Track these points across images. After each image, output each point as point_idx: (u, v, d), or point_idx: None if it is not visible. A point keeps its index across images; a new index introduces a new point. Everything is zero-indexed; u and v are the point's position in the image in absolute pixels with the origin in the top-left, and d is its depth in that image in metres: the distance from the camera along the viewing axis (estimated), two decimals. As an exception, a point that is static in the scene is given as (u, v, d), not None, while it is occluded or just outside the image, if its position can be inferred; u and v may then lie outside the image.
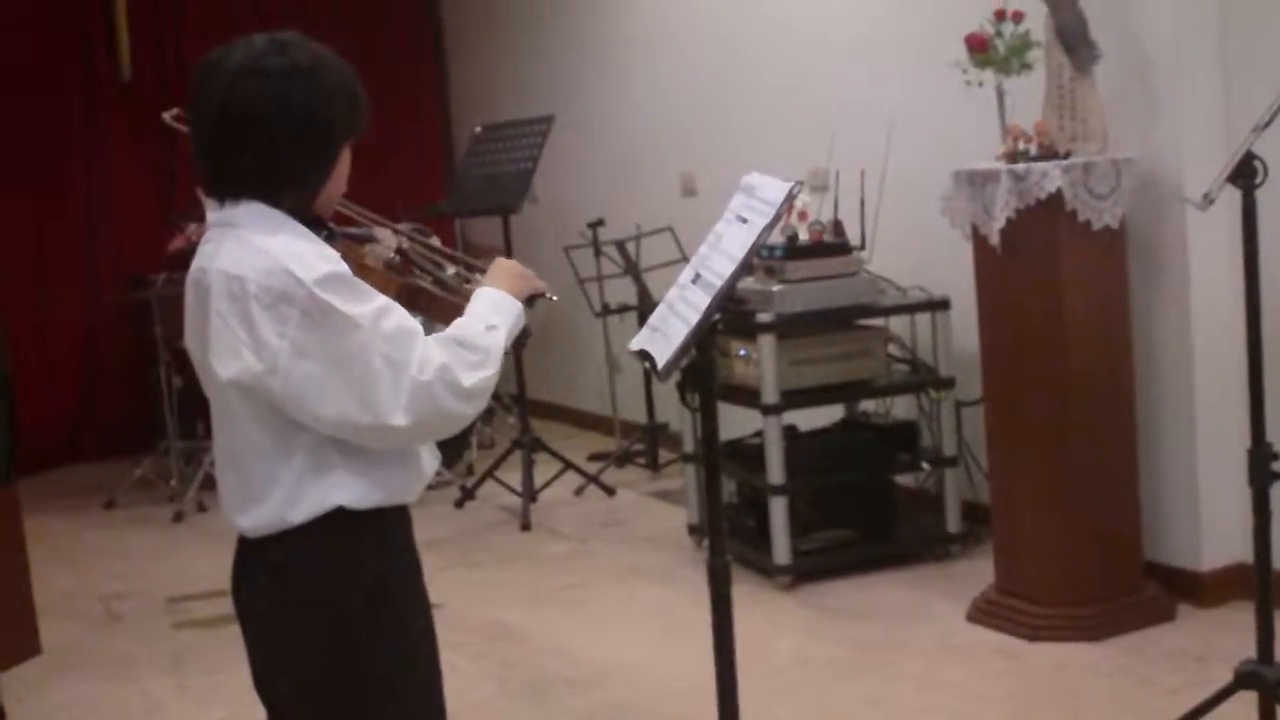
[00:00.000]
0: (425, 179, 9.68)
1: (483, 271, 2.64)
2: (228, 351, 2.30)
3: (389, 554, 2.44)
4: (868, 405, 6.06)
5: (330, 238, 2.42)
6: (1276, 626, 3.72)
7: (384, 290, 2.42)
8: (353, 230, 2.54)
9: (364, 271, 2.41)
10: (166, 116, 2.96)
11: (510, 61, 9.31)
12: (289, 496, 2.34)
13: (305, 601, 2.37)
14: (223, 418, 2.40)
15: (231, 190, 2.36)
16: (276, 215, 2.35)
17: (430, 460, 2.52)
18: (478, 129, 7.74)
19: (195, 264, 2.38)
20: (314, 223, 2.41)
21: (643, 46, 7.96)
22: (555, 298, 2.70)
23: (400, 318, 2.32)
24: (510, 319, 2.49)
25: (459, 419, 2.36)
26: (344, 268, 2.31)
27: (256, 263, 2.27)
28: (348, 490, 2.36)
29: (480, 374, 2.35)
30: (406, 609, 2.47)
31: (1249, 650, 3.76)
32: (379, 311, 2.29)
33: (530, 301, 2.59)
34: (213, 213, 2.39)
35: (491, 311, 2.47)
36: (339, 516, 2.36)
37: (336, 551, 2.37)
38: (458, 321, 2.44)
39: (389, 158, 9.20)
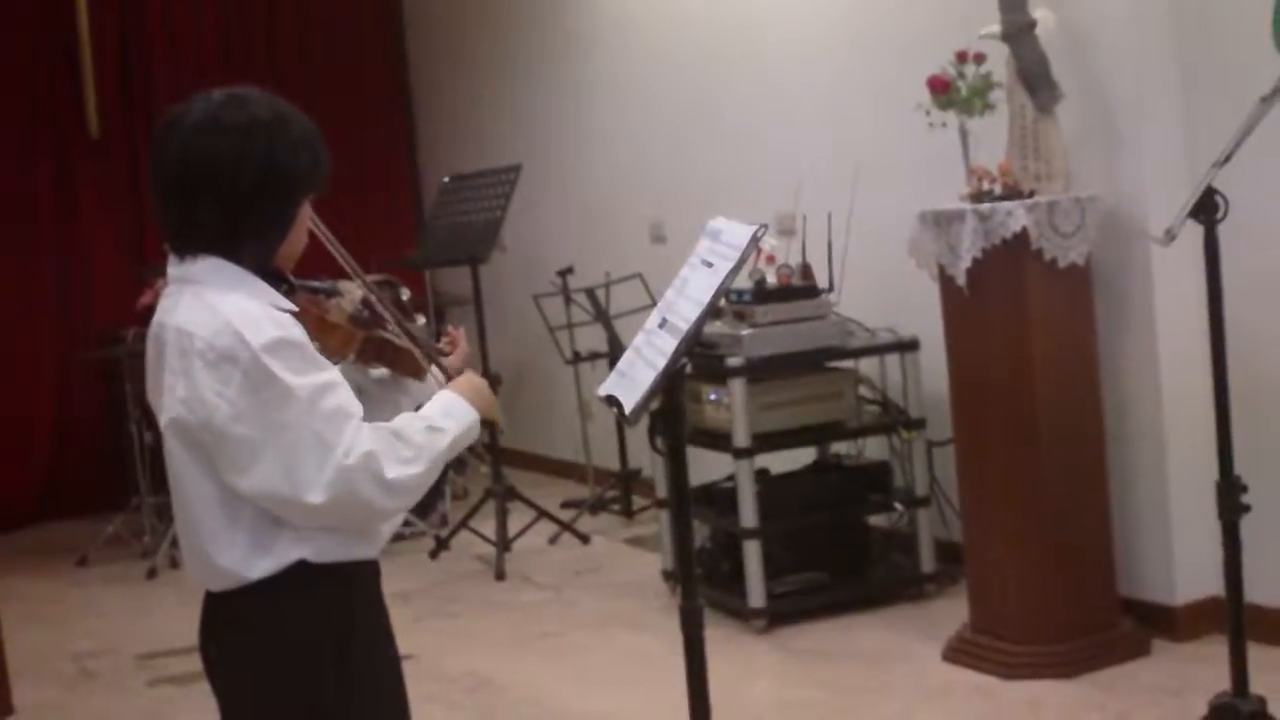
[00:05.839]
0: (394, 231, 9.66)
1: (445, 337, 2.64)
2: (170, 403, 2.30)
3: (355, 607, 2.42)
4: (839, 447, 6.06)
5: (291, 291, 2.41)
6: (1250, 659, 3.74)
7: (346, 344, 2.41)
8: (315, 283, 2.52)
9: (326, 326, 2.40)
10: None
11: (478, 112, 9.34)
12: (247, 551, 2.33)
13: (270, 657, 2.36)
14: (176, 473, 2.39)
15: (191, 245, 2.36)
16: (235, 271, 2.34)
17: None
18: (445, 180, 7.76)
19: (155, 319, 2.38)
20: (275, 276, 2.40)
21: (610, 95, 8.00)
22: (505, 431, 2.68)
23: (340, 398, 2.29)
24: (460, 427, 2.45)
25: (376, 510, 2.33)
26: (294, 333, 2.29)
27: (207, 320, 2.27)
28: (308, 544, 2.34)
29: (407, 470, 2.32)
30: (375, 662, 2.45)
31: (1224, 683, 3.77)
32: (320, 387, 2.27)
33: (483, 422, 2.56)
34: (173, 267, 2.39)
35: (441, 415, 2.44)
36: (302, 570, 2.34)
37: (300, 606, 2.35)
38: (403, 415, 2.43)
39: (358, 210, 9.19)
